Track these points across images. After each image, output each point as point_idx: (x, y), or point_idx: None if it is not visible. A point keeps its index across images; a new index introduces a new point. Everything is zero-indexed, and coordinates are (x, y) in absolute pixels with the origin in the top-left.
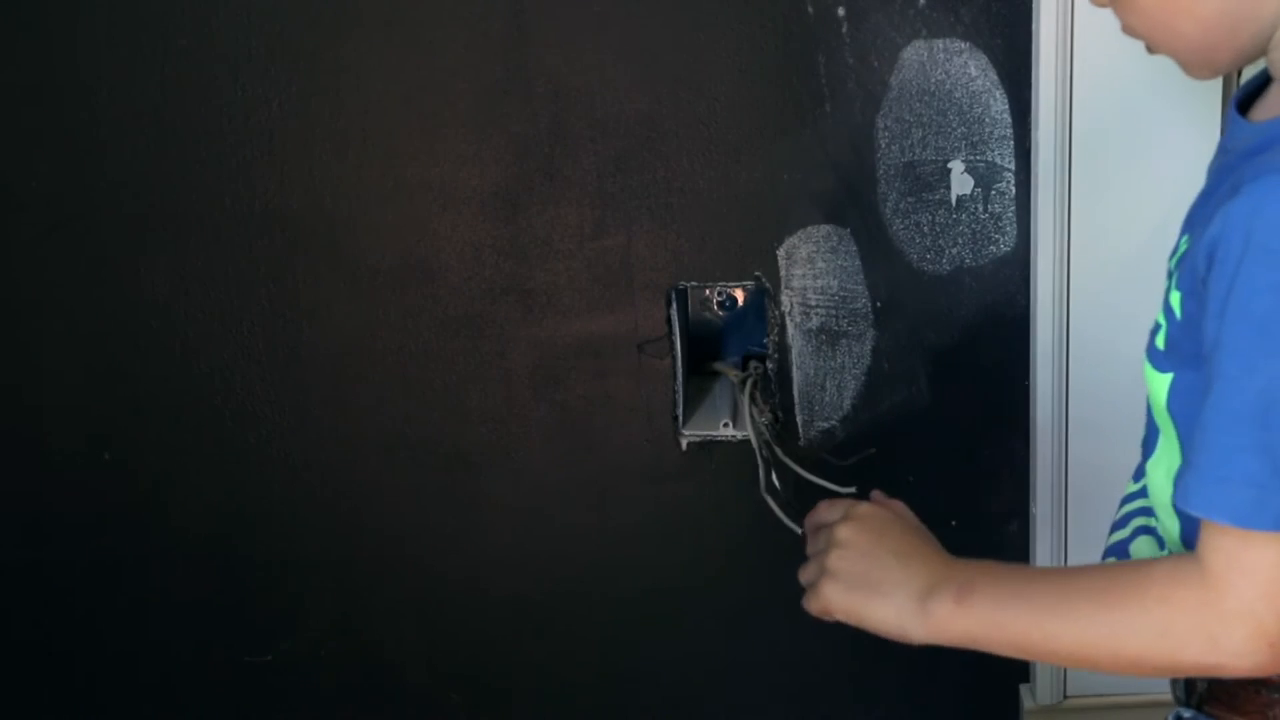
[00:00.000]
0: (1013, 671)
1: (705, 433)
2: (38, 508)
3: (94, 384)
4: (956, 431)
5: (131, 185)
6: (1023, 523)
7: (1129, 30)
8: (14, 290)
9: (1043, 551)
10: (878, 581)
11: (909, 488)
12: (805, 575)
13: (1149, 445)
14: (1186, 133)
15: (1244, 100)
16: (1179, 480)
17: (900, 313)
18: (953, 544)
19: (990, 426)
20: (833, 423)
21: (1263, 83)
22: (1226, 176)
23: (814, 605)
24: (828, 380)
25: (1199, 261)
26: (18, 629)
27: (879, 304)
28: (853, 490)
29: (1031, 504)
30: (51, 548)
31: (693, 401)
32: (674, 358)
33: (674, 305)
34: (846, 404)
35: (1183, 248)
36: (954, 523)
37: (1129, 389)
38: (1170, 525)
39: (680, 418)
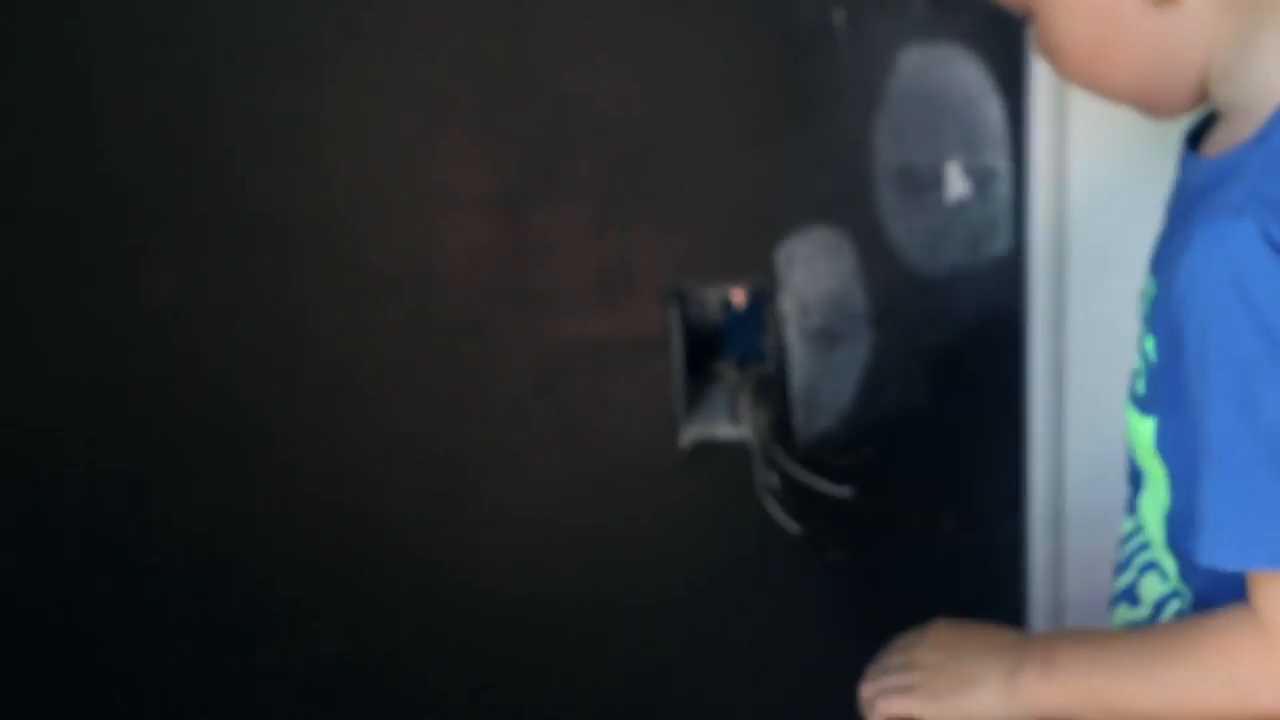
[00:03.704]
0: None
1: (705, 433)
2: (37, 508)
3: (93, 385)
4: (954, 432)
5: (131, 185)
6: (1021, 523)
7: (1069, 83)
8: (13, 290)
9: (1041, 551)
10: (966, 678)
11: (907, 489)
12: (876, 693)
13: (1136, 484)
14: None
15: (1195, 135)
16: (1201, 538)
17: (897, 314)
18: (952, 544)
19: (988, 427)
20: (831, 424)
21: (1211, 116)
22: (1184, 219)
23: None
24: (827, 381)
25: (1171, 310)
26: (17, 629)
27: (876, 306)
28: (848, 492)
29: (1029, 504)
30: (51, 548)
31: (693, 402)
32: (674, 358)
33: (674, 306)
34: (845, 405)
35: (1151, 292)
36: (952, 522)
37: (1125, 390)
38: (1168, 564)
39: (680, 418)
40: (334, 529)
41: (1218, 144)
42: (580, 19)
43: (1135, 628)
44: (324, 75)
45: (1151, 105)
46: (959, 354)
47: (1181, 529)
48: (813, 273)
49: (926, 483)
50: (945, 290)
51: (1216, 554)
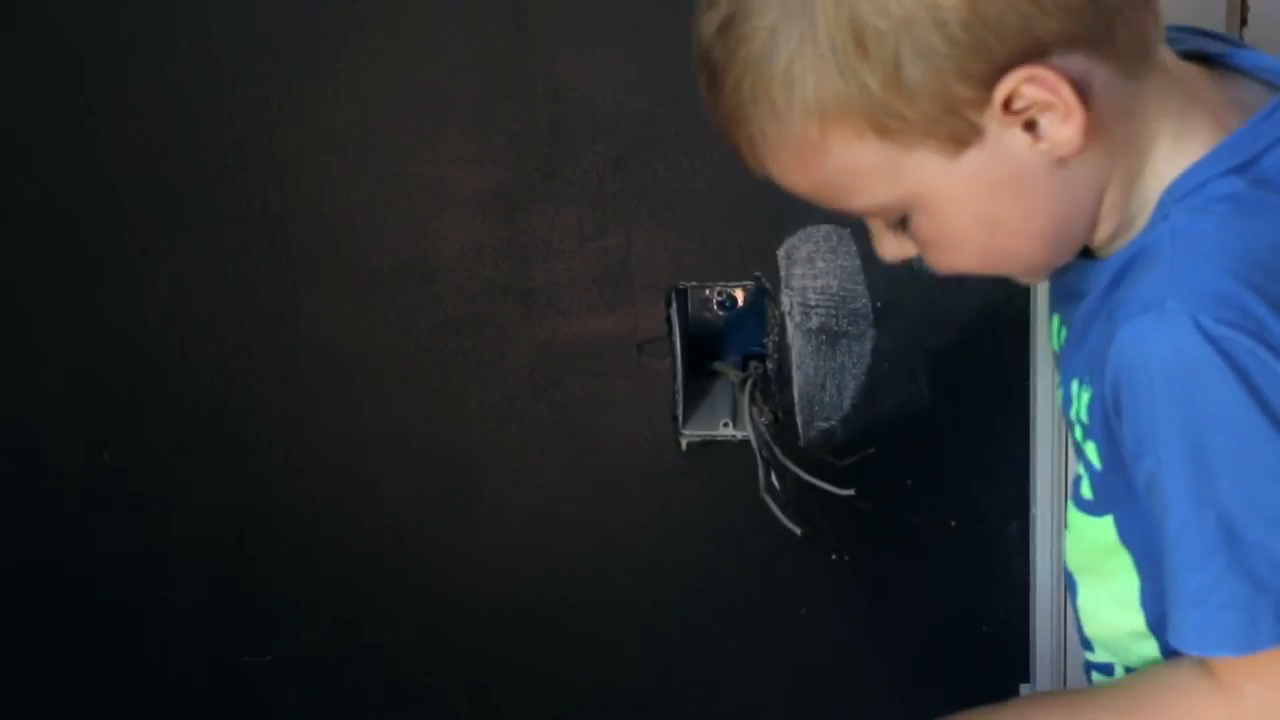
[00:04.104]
0: (1013, 672)
1: (705, 433)
2: (37, 509)
3: (93, 384)
4: (956, 431)
5: (130, 185)
6: (1023, 523)
7: (953, 270)
8: (12, 291)
9: (1042, 552)
10: None
11: (909, 489)
12: None
13: (1071, 591)
14: None
15: None
16: (1169, 625)
17: (900, 313)
18: (955, 545)
19: (990, 426)
20: (833, 423)
21: None
22: (1094, 317)
23: None
24: (828, 380)
25: (1107, 414)
26: (16, 630)
27: (879, 304)
28: (852, 492)
29: (1031, 504)
30: (51, 549)
31: (693, 401)
32: (674, 358)
33: (674, 305)
34: (846, 404)
35: (1083, 397)
36: (954, 523)
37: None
38: (1145, 650)
39: (680, 418)
40: (333, 528)
41: (1108, 248)
42: (580, 16)
43: (1095, 689)
44: (322, 73)
45: (1046, 268)
46: (963, 352)
47: (1161, 607)
48: (814, 270)
49: (930, 483)
50: (948, 288)
51: (1183, 640)
